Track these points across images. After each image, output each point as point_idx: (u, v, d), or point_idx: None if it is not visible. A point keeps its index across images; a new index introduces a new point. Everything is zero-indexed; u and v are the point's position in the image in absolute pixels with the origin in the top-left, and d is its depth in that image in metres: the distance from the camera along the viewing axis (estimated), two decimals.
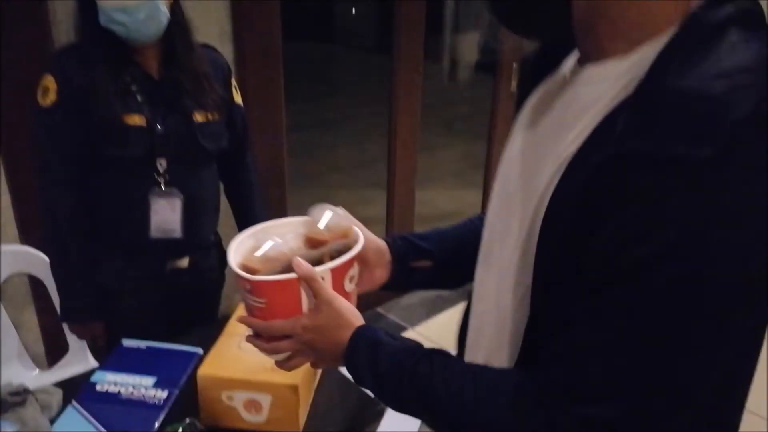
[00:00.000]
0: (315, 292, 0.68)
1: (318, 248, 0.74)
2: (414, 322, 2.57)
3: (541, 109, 0.64)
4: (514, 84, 2.78)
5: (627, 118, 0.49)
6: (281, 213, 2.13)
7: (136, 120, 1.24)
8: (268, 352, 0.72)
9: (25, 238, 1.60)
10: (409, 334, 2.51)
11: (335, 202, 0.82)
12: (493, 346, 0.67)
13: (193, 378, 1.06)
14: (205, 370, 1.04)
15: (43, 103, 1.22)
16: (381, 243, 0.82)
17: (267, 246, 0.75)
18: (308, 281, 0.67)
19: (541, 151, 0.59)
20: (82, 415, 1.02)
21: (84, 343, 1.55)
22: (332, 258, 0.72)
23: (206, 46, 1.38)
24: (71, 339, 1.48)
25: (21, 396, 1.01)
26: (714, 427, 0.56)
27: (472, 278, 0.75)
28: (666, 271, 0.45)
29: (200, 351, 1.19)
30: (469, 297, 0.76)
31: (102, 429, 0.99)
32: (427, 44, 2.41)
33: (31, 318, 1.70)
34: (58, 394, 1.09)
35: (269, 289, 0.69)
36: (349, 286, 0.73)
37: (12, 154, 1.53)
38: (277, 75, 1.98)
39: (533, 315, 0.60)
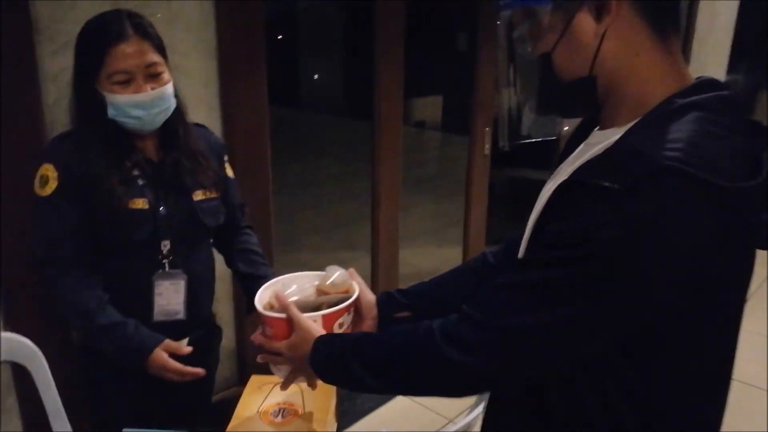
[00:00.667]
0: (290, 318, 0.93)
1: (319, 298, 1.01)
2: None
3: (563, 166, 0.85)
4: (487, 147, 2.89)
5: (590, 162, 0.72)
6: None
7: (140, 204, 1.23)
8: (272, 362, 0.98)
9: (10, 324, 1.53)
10: (399, 400, 2.47)
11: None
12: None
13: None
14: None
15: (43, 192, 1.19)
16: (372, 298, 1.05)
17: (288, 291, 1.03)
18: (284, 310, 0.94)
19: (549, 191, 0.79)
20: None
21: None
22: (328, 307, 0.97)
23: (198, 126, 1.40)
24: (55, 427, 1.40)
25: None
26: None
27: None
28: (579, 260, 0.65)
29: None
30: None
31: None
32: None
33: (12, 406, 1.61)
34: None
35: (274, 323, 0.96)
36: (338, 330, 0.97)
37: (4, 238, 1.48)
38: (264, 142, 2.01)
39: None
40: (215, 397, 2.12)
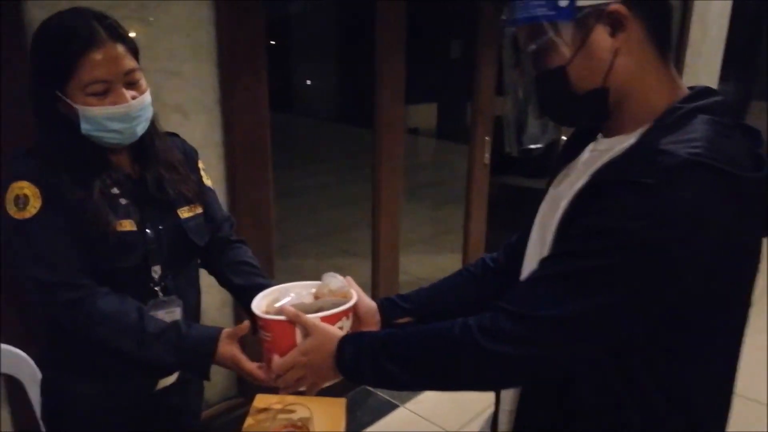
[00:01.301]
0: (303, 324, 0.93)
1: (314, 303, 1.01)
2: (404, 398, 2.50)
3: (568, 172, 0.91)
4: (487, 156, 2.88)
5: (612, 162, 0.78)
6: (269, 277, 2.08)
7: (127, 226, 1.09)
8: (281, 385, 0.97)
9: (4, 335, 1.49)
10: (400, 411, 2.44)
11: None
12: None
13: None
14: None
15: (25, 213, 1.02)
16: (372, 304, 1.07)
17: (285, 299, 1.04)
18: (294, 317, 0.94)
19: (564, 194, 0.84)
20: None
21: None
22: (327, 311, 0.97)
23: (170, 134, 1.27)
24: None
25: None
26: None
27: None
28: (616, 249, 0.70)
29: None
30: None
31: None
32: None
33: (5, 419, 1.56)
34: None
35: (273, 327, 0.96)
36: (339, 333, 0.95)
37: None
38: (265, 148, 1.99)
39: None
40: (215, 408, 2.09)
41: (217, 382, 1.10)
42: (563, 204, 0.83)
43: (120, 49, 1.03)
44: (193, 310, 1.25)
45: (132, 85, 1.06)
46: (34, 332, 1.50)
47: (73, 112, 1.03)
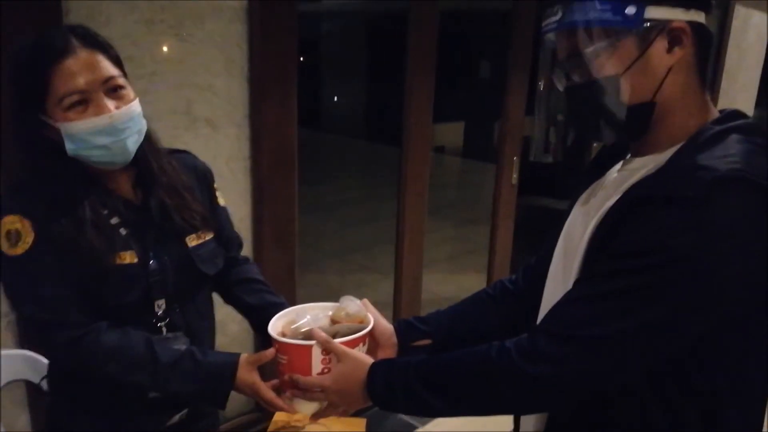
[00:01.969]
0: (333, 350, 0.92)
1: (333, 327, 1.00)
2: (423, 419, 2.45)
3: (595, 192, 0.89)
4: (514, 176, 2.85)
5: (651, 178, 0.76)
6: (291, 292, 2.10)
7: (127, 258, 1.01)
8: (308, 399, 0.96)
9: (26, 341, 1.50)
10: None
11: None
12: None
13: None
14: None
15: (15, 251, 0.95)
16: (389, 327, 1.05)
17: (302, 321, 1.02)
18: (325, 344, 0.93)
19: (594, 213, 0.83)
20: None
21: None
22: (342, 336, 0.96)
23: (178, 152, 1.18)
24: None
25: None
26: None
27: (464, 347, 0.96)
28: (657, 266, 0.69)
29: None
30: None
31: None
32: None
33: (24, 427, 1.57)
34: None
35: (289, 350, 0.95)
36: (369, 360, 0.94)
37: None
38: (292, 162, 1.99)
39: None
40: (232, 423, 2.07)
41: (234, 396, 1.05)
42: (592, 223, 0.81)
43: (96, 56, 0.95)
44: (206, 341, 1.18)
45: (114, 92, 0.97)
46: None
47: (57, 135, 0.96)
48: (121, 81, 0.99)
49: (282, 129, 1.93)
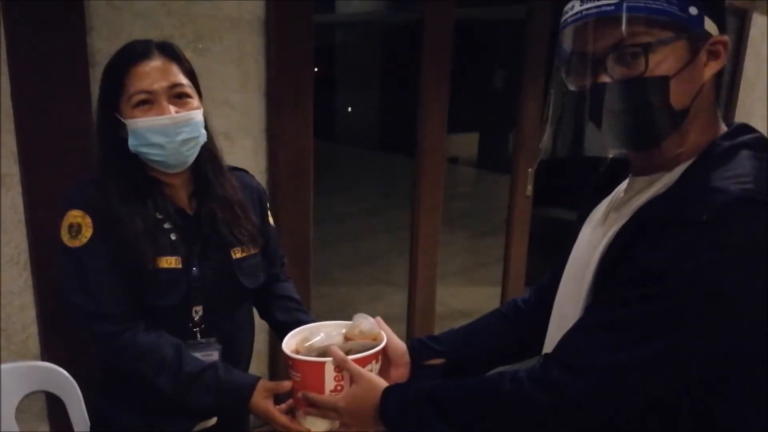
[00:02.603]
0: (349, 370, 0.93)
1: (346, 345, 1.01)
2: None
3: (603, 211, 0.87)
4: (529, 188, 2.84)
5: (661, 200, 0.74)
6: (305, 304, 2.08)
7: (171, 263, 1.07)
8: (321, 415, 0.95)
9: (48, 353, 1.52)
10: None
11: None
12: None
13: None
14: None
15: (74, 243, 1.03)
16: (402, 345, 1.04)
17: (315, 339, 1.04)
18: (342, 363, 0.93)
19: (602, 236, 0.81)
20: None
21: None
22: (355, 354, 0.96)
23: (237, 169, 1.25)
24: None
25: None
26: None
27: (476, 368, 1.02)
28: (670, 292, 0.67)
29: None
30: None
31: None
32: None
33: None
34: None
35: (302, 367, 0.96)
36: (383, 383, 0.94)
37: (40, 266, 1.48)
38: (308, 175, 2.00)
39: None
40: (262, 430, 2.07)
41: None
42: (602, 245, 0.79)
43: (170, 65, 1.05)
44: (241, 355, 1.22)
45: (179, 99, 1.05)
46: (78, 355, 1.53)
47: (126, 133, 1.04)
48: (188, 90, 1.07)
49: (298, 142, 1.94)
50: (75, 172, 1.44)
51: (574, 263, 0.89)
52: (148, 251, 1.05)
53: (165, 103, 1.03)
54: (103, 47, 1.51)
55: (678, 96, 0.72)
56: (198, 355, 1.10)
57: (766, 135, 0.78)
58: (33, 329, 1.51)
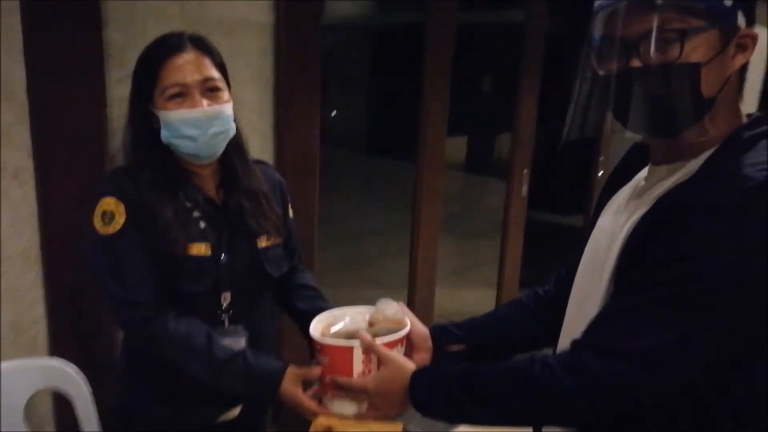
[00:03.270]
0: (377, 353, 0.95)
1: (371, 329, 1.02)
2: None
3: (623, 200, 0.88)
4: (525, 189, 2.88)
5: (685, 186, 0.75)
6: None
7: (201, 250, 1.09)
8: (350, 399, 0.98)
9: (57, 350, 1.50)
10: None
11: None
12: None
13: None
14: None
15: (107, 230, 1.05)
16: (425, 331, 1.06)
17: (340, 324, 1.05)
18: (370, 346, 0.95)
19: (623, 223, 0.83)
20: None
21: None
22: (382, 337, 0.98)
23: (259, 162, 1.29)
24: None
25: None
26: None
27: (497, 355, 1.06)
28: (699, 275, 0.70)
29: None
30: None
31: None
32: (414, 145, 2.49)
33: None
34: None
35: (331, 351, 0.98)
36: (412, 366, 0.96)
37: (52, 262, 1.46)
38: (314, 173, 2.02)
39: None
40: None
41: None
42: (623, 232, 0.81)
43: (203, 58, 1.07)
44: (266, 342, 1.23)
45: (211, 92, 1.07)
46: (89, 352, 1.52)
47: (159, 124, 1.07)
48: (220, 84, 1.10)
49: (306, 140, 1.95)
50: (89, 166, 1.43)
51: (592, 251, 0.92)
52: (179, 238, 1.07)
53: (198, 97, 1.06)
54: (119, 40, 1.50)
55: (707, 84, 0.74)
56: (226, 341, 1.11)
57: None
58: (42, 325, 1.49)
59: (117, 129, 1.51)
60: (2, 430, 1.33)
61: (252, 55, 1.79)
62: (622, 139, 0.89)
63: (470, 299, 3.59)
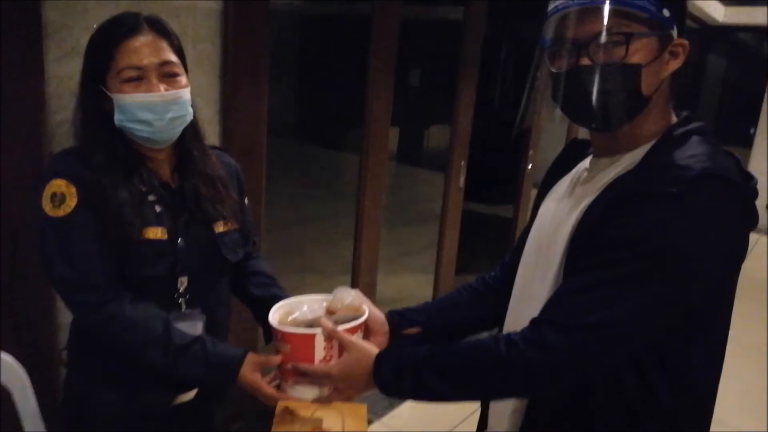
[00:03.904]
0: (340, 339, 0.98)
1: (331, 317, 1.03)
2: (378, 412, 2.52)
3: (568, 190, 0.97)
4: (462, 179, 3.00)
5: (630, 176, 0.84)
6: None
7: (157, 234, 1.07)
8: (311, 384, 1.00)
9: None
10: (375, 426, 2.46)
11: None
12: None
13: None
14: None
15: (57, 212, 1.01)
16: (381, 316, 1.11)
17: (298, 312, 1.07)
18: (332, 333, 0.98)
19: (568, 210, 0.91)
20: None
21: None
22: (341, 324, 1.00)
23: (216, 148, 1.27)
24: None
25: None
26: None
27: (451, 337, 1.11)
28: (647, 255, 0.78)
29: None
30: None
31: None
32: (351, 136, 2.57)
33: None
34: None
35: (292, 339, 1.00)
36: (374, 350, 0.99)
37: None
38: (260, 160, 2.01)
39: None
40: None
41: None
42: (572, 219, 0.89)
43: (160, 41, 1.04)
44: (220, 328, 1.22)
45: (169, 77, 1.05)
46: (27, 338, 1.45)
47: (111, 107, 1.03)
48: (177, 68, 1.07)
49: (253, 126, 1.94)
50: (26, 149, 1.37)
51: (537, 235, 0.98)
52: (134, 222, 1.04)
53: (155, 81, 1.03)
54: (57, 18, 1.43)
55: (646, 84, 0.84)
56: (183, 325, 1.09)
57: None
58: None
59: (57, 108, 1.45)
60: None
61: (198, 37, 1.76)
62: (548, 136, 0.99)
63: (407, 285, 3.69)
